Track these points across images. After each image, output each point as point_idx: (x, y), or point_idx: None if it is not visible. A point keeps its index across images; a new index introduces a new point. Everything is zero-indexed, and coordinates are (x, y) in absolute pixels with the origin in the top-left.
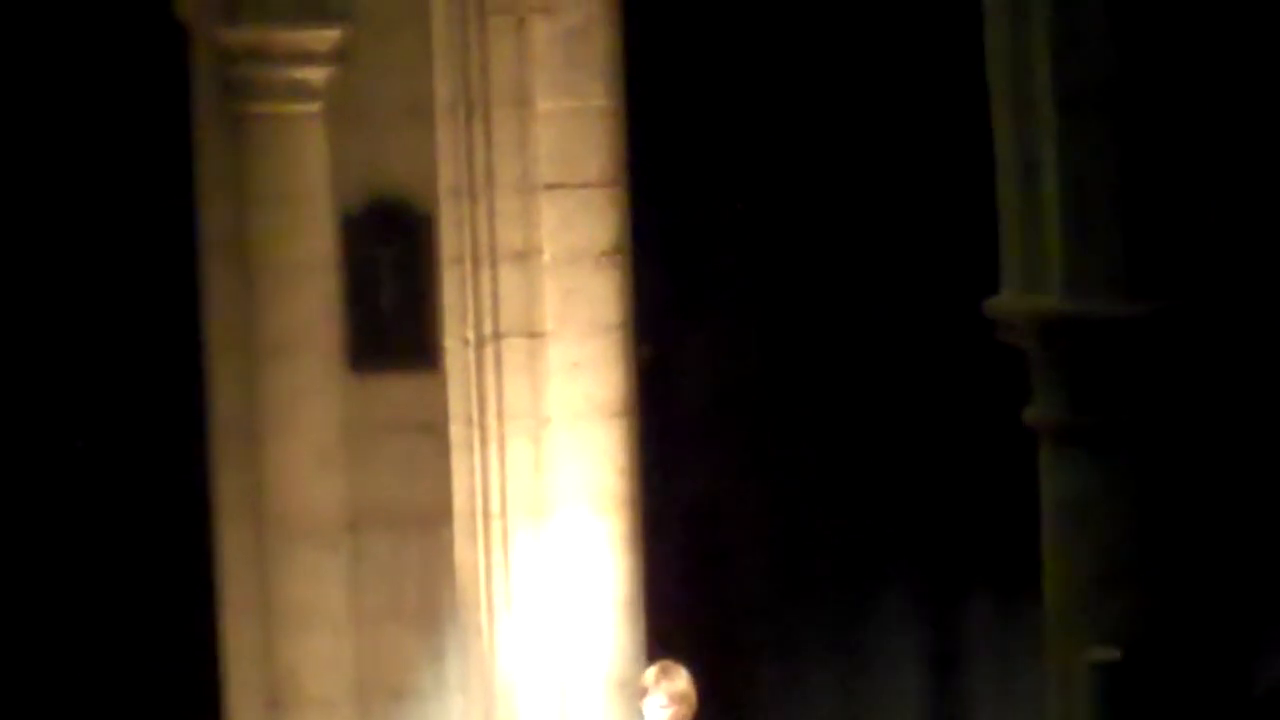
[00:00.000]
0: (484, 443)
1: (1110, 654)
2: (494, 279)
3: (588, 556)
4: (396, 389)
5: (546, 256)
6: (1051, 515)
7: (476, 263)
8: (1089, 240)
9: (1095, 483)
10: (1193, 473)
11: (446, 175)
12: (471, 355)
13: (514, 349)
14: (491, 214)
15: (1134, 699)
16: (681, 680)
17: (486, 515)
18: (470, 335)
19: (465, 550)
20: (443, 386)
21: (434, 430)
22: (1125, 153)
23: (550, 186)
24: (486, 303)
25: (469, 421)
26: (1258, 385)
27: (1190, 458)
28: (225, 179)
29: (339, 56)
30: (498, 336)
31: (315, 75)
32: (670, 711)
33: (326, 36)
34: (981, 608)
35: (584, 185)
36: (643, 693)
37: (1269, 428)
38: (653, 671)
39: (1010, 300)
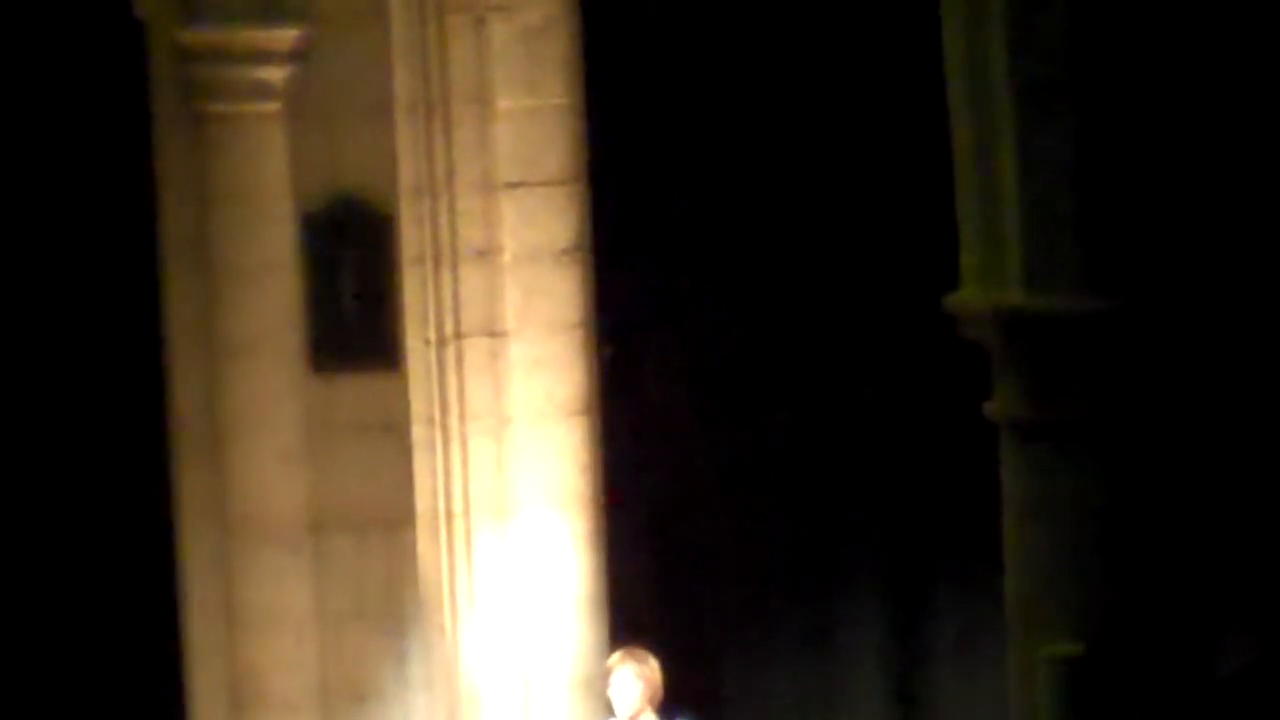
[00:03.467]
0: (446, 442)
1: (1071, 648)
2: (455, 278)
3: (550, 555)
4: (358, 389)
5: (507, 255)
6: (1012, 510)
7: (437, 262)
8: (1048, 235)
9: (1056, 477)
10: (1153, 467)
11: (407, 174)
12: (433, 354)
13: (475, 348)
14: (452, 213)
15: (1095, 692)
16: (647, 660)
17: (449, 515)
18: (432, 334)
19: (428, 550)
20: (404, 386)
21: (396, 430)
22: (1084, 148)
23: (511, 185)
24: (448, 302)
25: (431, 421)
26: (1217, 379)
27: (1151, 452)
28: (185, 178)
29: (298, 56)
30: (459, 336)
31: (275, 74)
32: (638, 688)
33: (286, 36)
34: (945, 601)
35: (544, 183)
36: (608, 674)
37: (1229, 421)
38: (617, 654)
39: (970, 295)
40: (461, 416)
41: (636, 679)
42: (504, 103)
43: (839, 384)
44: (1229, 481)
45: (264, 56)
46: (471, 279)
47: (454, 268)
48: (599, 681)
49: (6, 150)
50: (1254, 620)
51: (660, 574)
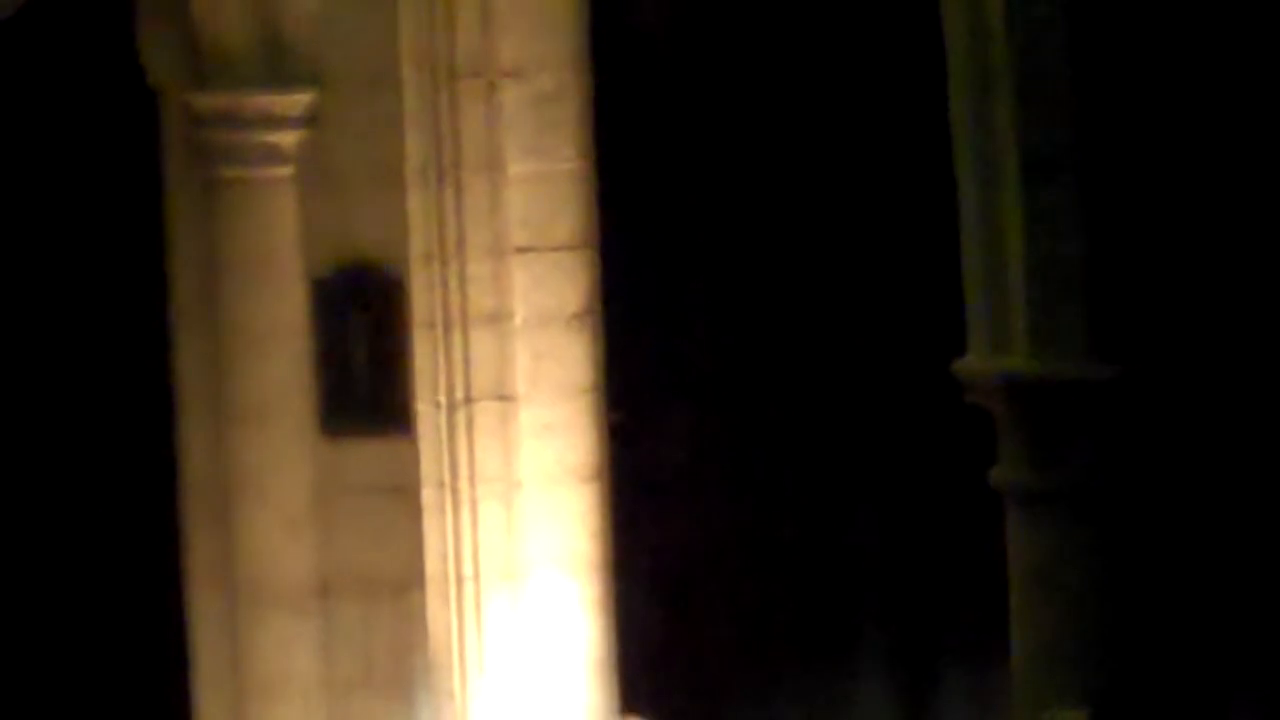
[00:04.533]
0: (456, 506)
1: (1077, 713)
2: (465, 342)
3: (560, 619)
4: (368, 452)
5: (518, 320)
6: (1018, 576)
7: (448, 326)
8: (1054, 302)
9: (1061, 544)
10: (1157, 532)
11: (418, 239)
12: (443, 418)
13: (486, 412)
14: (463, 277)
15: None
16: None
17: (459, 579)
18: (442, 398)
19: (437, 614)
20: (414, 450)
21: (406, 493)
22: (1091, 218)
23: (521, 250)
24: (458, 366)
25: (441, 485)
26: (1221, 446)
27: (1155, 518)
28: (196, 243)
29: (309, 121)
30: (469, 400)
31: (286, 139)
32: None
33: (297, 101)
34: (952, 667)
35: (555, 248)
36: None
37: (1232, 487)
38: None
39: (977, 362)
40: (471, 480)
41: None
42: (515, 168)
43: (847, 450)
44: (1233, 545)
45: (275, 121)
46: (482, 343)
47: (464, 332)
48: None
49: (19, 214)
50: (1260, 682)
51: (668, 641)
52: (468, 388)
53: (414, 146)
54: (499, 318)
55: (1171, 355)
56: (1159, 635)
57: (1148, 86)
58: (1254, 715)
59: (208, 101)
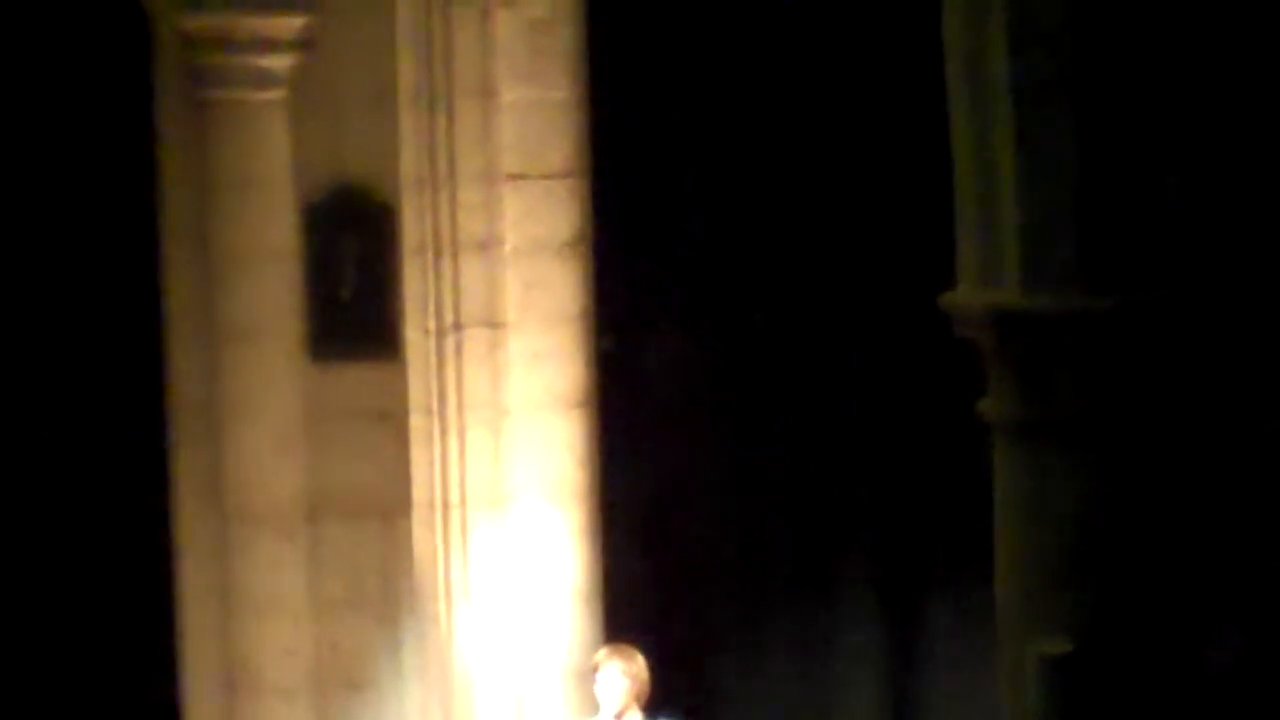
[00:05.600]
0: (444, 433)
1: (1060, 646)
2: (455, 269)
3: (546, 547)
4: (357, 378)
5: (508, 247)
6: (1004, 509)
7: (438, 253)
8: (1045, 235)
9: (1048, 477)
10: (1145, 466)
11: (409, 165)
12: (432, 345)
13: (475, 339)
14: (454, 204)
15: (1084, 691)
16: (635, 658)
17: (445, 505)
18: (431, 325)
19: (424, 540)
20: (403, 376)
21: (394, 420)
22: (1082, 146)
23: (513, 177)
24: (448, 293)
25: (429, 411)
26: (1210, 379)
27: (1143, 452)
28: (187, 166)
29: (303, 44)
30: (459, 327)
31: (279, 63)
32: (624, 685)
33: (291, 24)
34: (938, 597)
35: (546, 176)
36: (595, 670)
37: (1221, 420)
38: (604, 651)
39: (966, 294)
40: (460, 407)
41: (623, 676)
42: (507, 95)
43: (835, 381)
44: (1220, 479)
45: (268, 45)
46: (472, 270)
47: (454, 258)
48: (590, 675)
49: (8, 137)
50: (1246, 615)
51: (654, 569)
52: (457, 314)
53: (406, 72)
54: (489, 244)
55: (1164, 287)
56: (1145, 567)
57: (1144, 7)
58: (1240, 645)
59: (200, 24)
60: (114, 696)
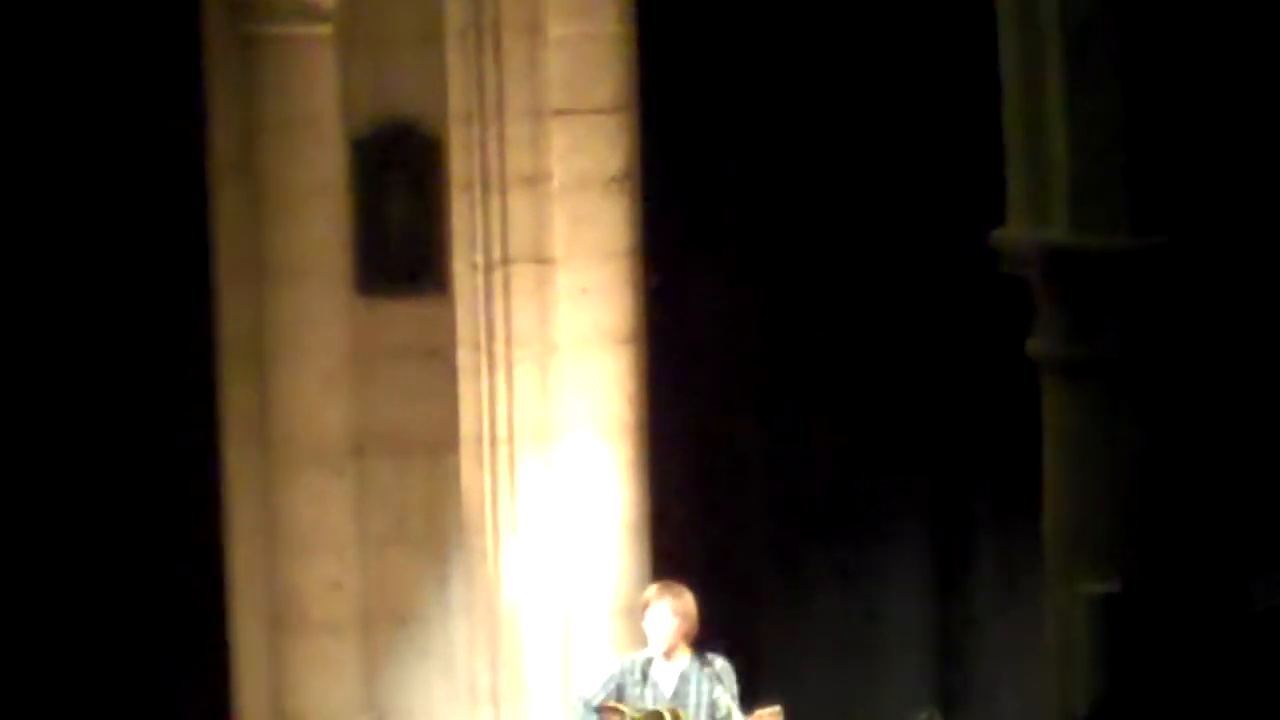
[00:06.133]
0: (491, 368)
1: (1108, 585)
2: (503, 204)
3: (594, 482)
4: (404, 314)
5: (556, 182)
6: (1052, 446)
7: (486, 188)
8: (1094, 174)
9: (1097, 415)
10: (1192, 405)
11: (457, 100)
12: (480, 280)
13: (522, 275)
14: (501, 139)
15: (1132, 628)
16: (684, 595)
17: (493, 441)
18: (479, 260)
19: (471, 475)
20: (450, 312)
21: (441, 355)
22: (1131, 86)
23: (560, 112)
24: (495, 228)
25: (476, 347)
26: (1259, 319)
27: (1190, 390)
28: (235, 102)
29: None
30: (506, 262)
31: None
32: (673, 624)
33: None
34: (986, 536)
35: (594, 111)
36: (644, 607)
37: (1270, 361)
38: (654, 588)
39: (1015, 232)
40: (507, 342)
41: (672, 615)
42: (556, 30)
43: (882, 317)
44: (1268, 419)
45: None
46: (520, 206)
47: (502, 194)
48: (638, 611)
49: (56, 74)
50: None
51: (701, 505)
52: (505, 249)
53: (454, 6)
54: (537, 180)
55: (1213, 227)
56: (1193, 508)
57: None
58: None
59: None
60: (160, 633)
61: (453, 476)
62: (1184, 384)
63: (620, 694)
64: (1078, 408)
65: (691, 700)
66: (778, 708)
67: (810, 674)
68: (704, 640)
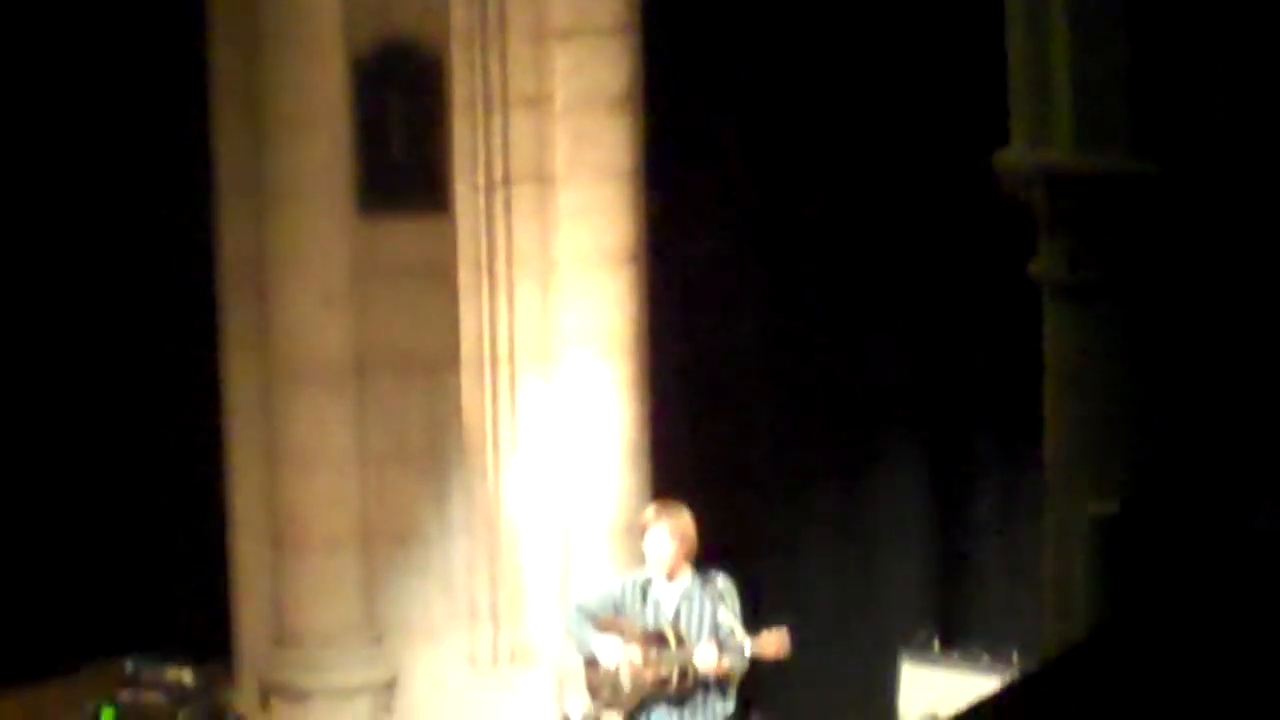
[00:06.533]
0: (492, 287)
1: (1108, 507)
2: (505, 124)
3: (594, 402)
4: (405, 233)
5: (558, 102)
6: (1053, 370)
7: (487, 108)
8: (1097, 97)
9: (1097, 338)
10: (1193, 329)
11: (459, 19)
12: (481, 200)
13: (523, 194)
14: (503, 59)
15: (1130, 552)
16: (683, 516)
17: (494, 359)
18: (480, 180)
19: (471, 394)
20: (451, 231)
21: (442, 274)
22: (1135, 9)
23: (563, 32)
24: (497, 148)
25: (477, 266)
26: (1262, 244)
27: (1191, 313)
28: (235, 22)
29: None
30: (507, 182)
31: None
32: (673, 547)
33: None
34: (986, 457)
35: (596, 31)
36: (643, 529)
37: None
38: (652, 510)
39: (1018, 155)
40: (508, 262)
41: (671, 537)
42: None
43: (883, 237)
44: (1268, 341)
45: None
46: (521, 125)
47: (504, 114)
48: (637, 530)
49: (58, 6)
50: None
51: (701, 425)
52: (506, 169)
53: None
54: (538, 100)
55: (1216, 152)
56: (1192, 430)
57: None
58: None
59: None
60: (162, 548)
61: (453, 395)
62: (1185, 306)
63: (618, 612)
64: (1079, 330)
65: (694, 620)
66: (783, 630)
67: (810, 594)
68: (704, 560)
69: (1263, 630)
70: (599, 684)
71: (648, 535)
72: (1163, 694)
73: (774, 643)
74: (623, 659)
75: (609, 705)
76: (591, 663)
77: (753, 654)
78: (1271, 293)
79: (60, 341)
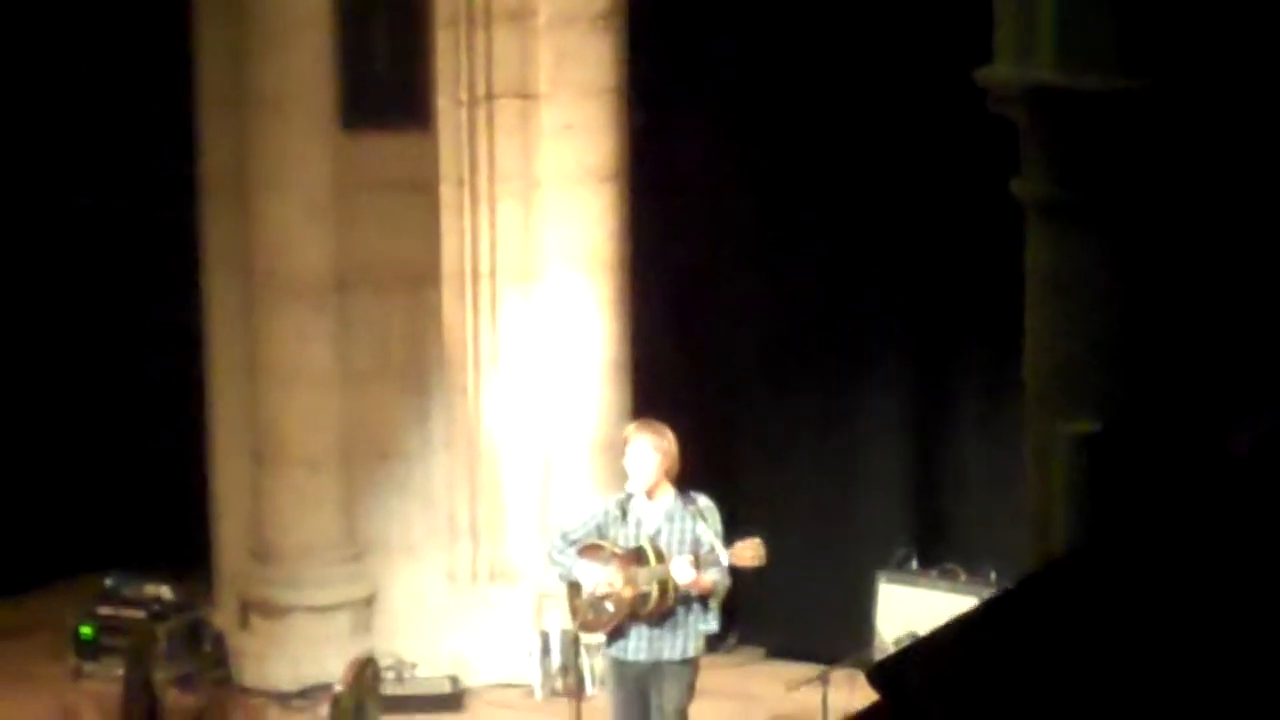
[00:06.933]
0: (474, 204)
1: (1088, 425)
2: (488, 40)
3: (575, 319)
4: (388, 148)
5: (541, 18)
6: (1035, 288)
7: (471, 23)
8: (1082, 13)
9: (1079, 256)
10: (1176, 247)
11: None
12: (464, 115)
13: (506, 110)
14: None
15: (1110, 470)
16: (665, 432)
17: (475, 276)
18: (463, 96)
19: (453, 311)
20: (434, 146)
21: (424, 190)
22: None
23: None
24: (480, 63)
25: (460, 182)
26: (1245, 162)
27: (1175, 233)
28: None
29: None
30: (490, 98)
31: None
32: (655, 460)
33: None
34: (968, 376)
35: None
36: (625, 444)
37: (1254, 204)
38: (634, 425)
39: (1002, 70)
40: (490, 178)
41: (653, 451)
42: None
43: (868, 153)
44: (1253, 262)
45: None
46: (504, 41)
47: (487, 29)
48: (618, 447)
49: None
50: (1272, 396)
51: (683, 344)
52: (489, 85)
53: None
54: (522, 15)
55: (1201, 69)
56: (1173, 348)
57: None
58: (1265, 426)
59: None
60: (142, 461)
61: (434, 311)
62: (1170, 224)
63: (601, 535)
64: (1061, 248)
65: (675, 537)
66: (757, 539)
67: (789, 510)
68: (685, 478)
69: (1240, 550)
70: (581, 607)
71: (629, 450)
72: (1140, 612)
73: (750, 552)
74: (603, 580)
75: (591, 627)
76: (574, 586)
77: (729, 564)
78: (1258, 210)
79: (40, 256)
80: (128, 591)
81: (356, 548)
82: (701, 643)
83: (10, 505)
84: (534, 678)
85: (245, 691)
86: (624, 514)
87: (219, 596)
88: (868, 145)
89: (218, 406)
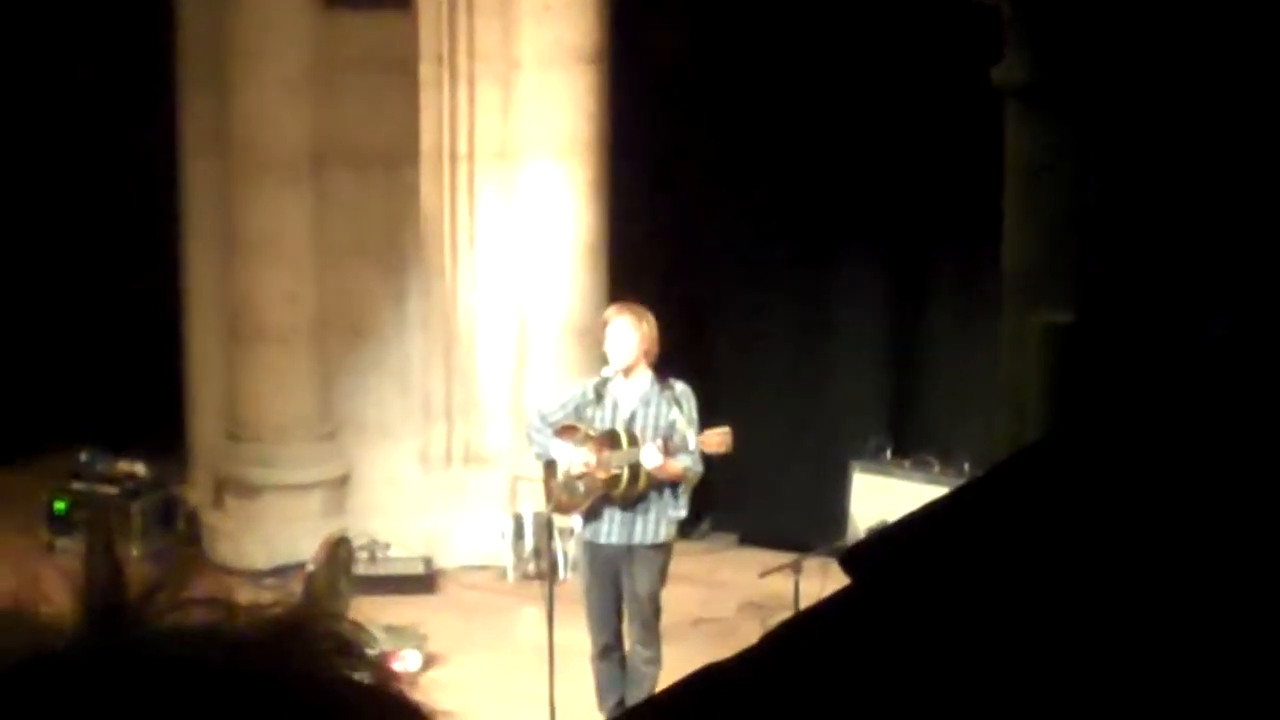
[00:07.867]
0: (453, 83)
1: (1063, 315)
2: None
3: (553, 202)
4: (367, 24)
5: None
6: (1014, 176)
7: None
8: None
9: (1059, 143)
10: (1159, 137)
11: None
12: None
13: None
14: None
15: (1085, 359)
16: (645, 314)
17: (453, 156)
18: None
19: (430, 190)
20: (413, 24)
21: (403, 67)
22: None
23: None
24: None
25: (439, 60)
26: (1229, 51)
27: (1157, 123)
28: None
29: None
30: None
31: None
32: (634, 338)
33: None
34: (943, 265)
35: None
36: (604, 325)
37: (1238, 92)
38: (614, 307)
39: None
40: (470, 57)
41: (633, 330)
42: None
43: (847, 41)
44: (1235, 151)
45: None
46: None
47: None
48: (594, 331)
49: None
50: (1248, 285)
51: (659, 229)
52: None
53: None
54: None
55: None
56: (1150, 237)
57: None
58: (1240, 314)
59: None
60: (118, 341)
61: (412, 190)
62: (1151, 114)
63: (579, 417)
64: (1041, 135)
65: (650, 422)
66: (726, 428)
67: (764, 397)
68: (661, 363)
69: (1213, 442)
70: (555, 488)
71: (609, 330)
72: (1112, 500)
73: (716, 439)
74: (577, 460)
75: (565, 508)
76: (549, 466)
77: (697, 449)
78: (1238, 98)
79: (12, 132)
80: (101, 467)
81: (330, 426)
82: (673, 528)
83: None
84: (507, 560)
85: (217, 570)
86: (600, 397)
87: (193, 475)
88: (848, 34)
89: (193, 281)
